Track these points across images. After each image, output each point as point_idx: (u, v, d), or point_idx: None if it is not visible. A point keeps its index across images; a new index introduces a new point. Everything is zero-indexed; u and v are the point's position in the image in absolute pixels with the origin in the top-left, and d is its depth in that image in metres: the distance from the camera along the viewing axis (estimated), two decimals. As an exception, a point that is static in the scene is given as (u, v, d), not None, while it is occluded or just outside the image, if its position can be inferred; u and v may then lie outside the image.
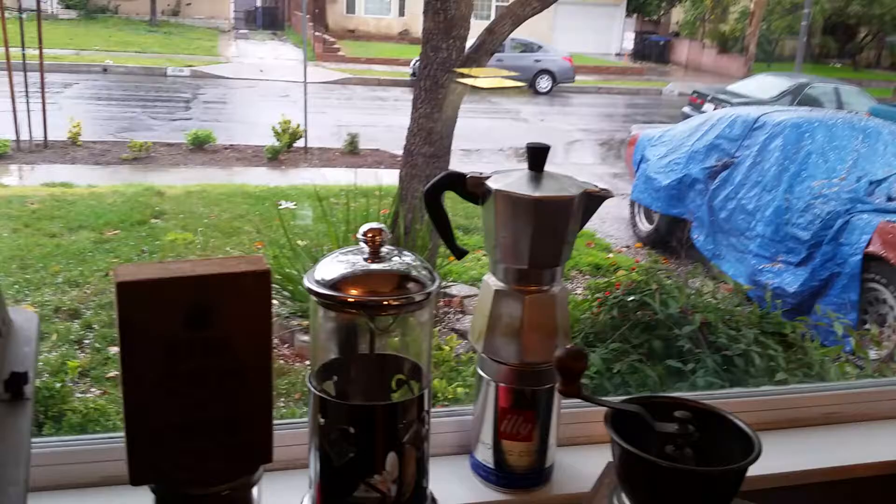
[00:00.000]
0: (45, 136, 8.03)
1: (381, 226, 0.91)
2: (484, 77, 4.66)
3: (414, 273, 0.92)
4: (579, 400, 0.90)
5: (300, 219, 5.58)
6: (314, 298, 0.89)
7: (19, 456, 0.69)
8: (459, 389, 3.18)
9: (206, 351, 0.80)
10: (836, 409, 1.38)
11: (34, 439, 1.06)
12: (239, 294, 0.80)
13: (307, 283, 0.89)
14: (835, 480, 1.26)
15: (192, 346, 0.79)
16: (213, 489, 0.85)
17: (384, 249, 0.92)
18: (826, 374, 2.53)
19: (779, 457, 1.23)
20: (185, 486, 0.84)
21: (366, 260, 0.91)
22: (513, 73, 12.21)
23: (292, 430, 1.08)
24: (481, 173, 1.11)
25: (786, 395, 1.38)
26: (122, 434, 0.80)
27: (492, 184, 1.07)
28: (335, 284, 0.88)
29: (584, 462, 1.18)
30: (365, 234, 0.91)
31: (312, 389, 0.91)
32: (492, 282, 1.11)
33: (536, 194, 1.05)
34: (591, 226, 6.51)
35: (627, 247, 6.55)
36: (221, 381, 0.82)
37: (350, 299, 0.88)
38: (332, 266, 0.90)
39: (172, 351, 0.79)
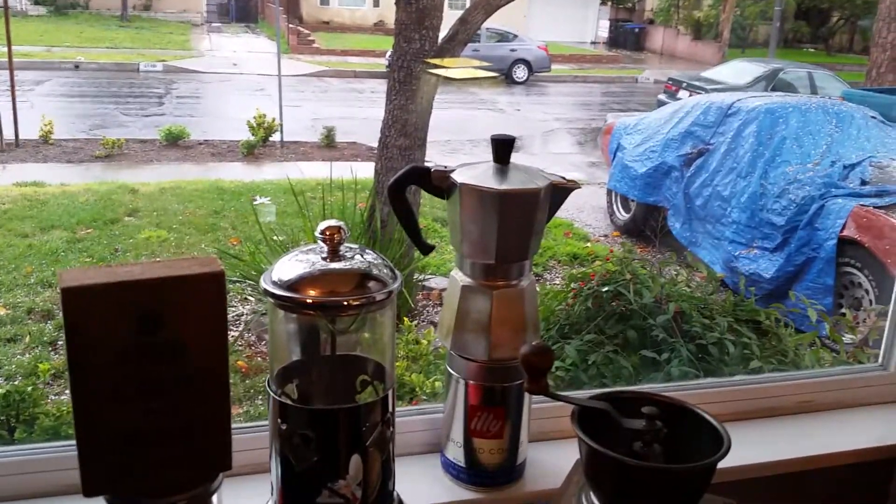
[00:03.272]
0: (17, 135, 7.91)
1: (340, 223, 0.88)
2: (457, 67, 4.63)
3: (375, 271, 0.89)
4: (547, 397, 0.88)
5: (264, 216, 5.53)
6: (271, 300, 0.86)
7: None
8: (437, 383, 3.16)
9: (159, 357, 0.78)
10: (808, 397, 1.37)
11: (-11, 449, 1.03)
12: (191, 297, 0.78)
13: (263, 284, 0.86)
14: (808, 470, 1.25)
15: (143, 353, 0.77)
16: (170, 499, 0.83)
17: (343, 248, 0.89)
18: (800, 361, 2.53)
19: (752, 448, 1.23)
20: (141, 496, 0.82)
21: (324, 259, 0.88)
22: (488, 64, 12.18)
23: (254, 433, 1.06)
24: (446, 167, 1.08)
25: (758, 385, 1.37)
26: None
27: (457, 177, 1.05)
28: (292, 285, 0.85)
29: (556, 457, 1.16)
30: (323, 232, 0.88)
31: (272, 394, 0.89)
32: (459, 277, 1.09)
33: (502, 187, 1.03)
34: (568, 215, 6.50)
35: (605, 236, 6.54)
36: (176, 387, 0.79)
37: (308, 300, 0.85)
38: (290, 266, 0.88)
39: (123, 358, 0.76)
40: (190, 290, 0.78)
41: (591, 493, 0.86)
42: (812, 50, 22.09)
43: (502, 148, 1.09)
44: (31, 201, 6.17)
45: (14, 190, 6.54)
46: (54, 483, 1.02)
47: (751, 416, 1.34)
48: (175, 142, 8.43)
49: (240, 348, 3.96)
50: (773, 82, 10.55)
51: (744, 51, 18.84)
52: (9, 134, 7.84)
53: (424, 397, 3.07)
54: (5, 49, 7.89)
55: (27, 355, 3.80)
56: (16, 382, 3.42)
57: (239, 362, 3.74)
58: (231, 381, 0.84)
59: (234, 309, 4.32)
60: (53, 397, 3.47)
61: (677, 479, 0.80)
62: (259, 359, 3.91)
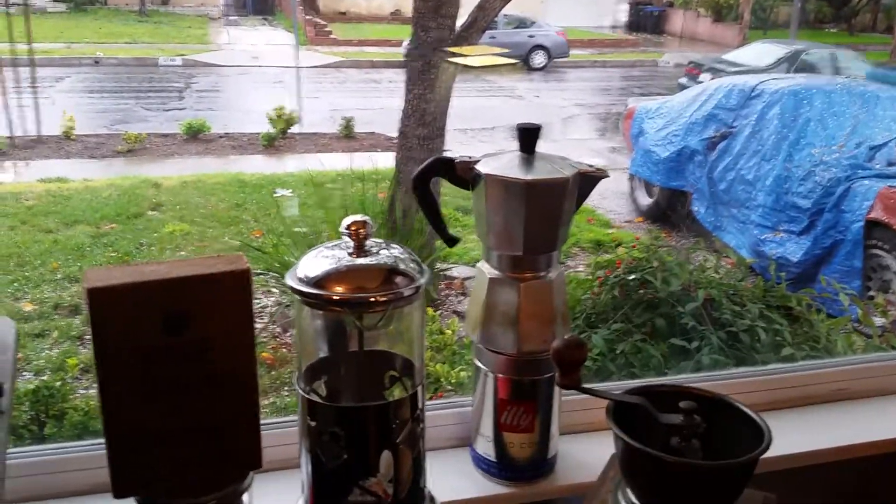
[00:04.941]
0: (39, 131, 7.97)
1: (365, 218, 0.87)
2: (475, 55, 4.60)
3: (402, 266, 0.87)
4: (579, 391, 0.86)
5: (287, 208, 5.54)
6: (297, 297, 0.85)
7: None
8: (462, 373, 3.15)
9: (186, 356, 0.77)
10: (844, 385, 1.35)
11: (20, 448, 1.03)
12: (217, 296, 0.77)
13: (289, 281, 0.85)
14: (844, 459, 1.22)
15: (170, 352, 0.76)
16: (200, 499, 0.82)
17: (369, 242, 0.88)
18: (833, 347, 2.49)
19: (786, 438, 1.20)
20: (171, 496, 0.81)
21: (350, 254, 0.87)
22: (506, 50, 12.09)
23: (283, 429, 1.05)
24: (471, 157, 1.06)
25: (793, 373, 1.34)
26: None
27: (481, 168, 1.03)
28: (319, 282, 0.84)
29: (588, 450, 1.15)
30: (348, 227, 0.86)
31: (300, 391, 0.88)
32: (486, 269, 1.07)
33: (528, 177, 1.01)
34: (590, 201, 6.42)
35: (628, 221, 6.49)
36: (203, 386, 0.78)
37: (335, 297, 0.84)
38: (316, 262, 0.86)
39: (150, 358, 0.76)
40: (216, 288, 0.77)
41: (628, 489, 0.84)
42: (834, 30, 21.75)
43: (528, 137, 1.07)
44: (54, 197, 6.21)
45: (38, 186, 6.59)
46: (85, 482, 1.02)
47: (785, 405, 1.32)
48: (196, 135, 8.46)
49: (264, 340, 3.97)
50: (795, 64, 10.39)
51: (765, 32, 18.59)
52: (31, 130, 7.90)
53: (450, 387, 3.06)
54: (26, 46, 7.94)
55: (55, 350, 3.83)
56: (45, 377, 3.45)
57: (264, 353, 3.75)
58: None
59: (257, 301, 4.33)
60: (82, 392, 3.49)
61: (718, 474, 0.78)
62: (284, 350, 3.92)
